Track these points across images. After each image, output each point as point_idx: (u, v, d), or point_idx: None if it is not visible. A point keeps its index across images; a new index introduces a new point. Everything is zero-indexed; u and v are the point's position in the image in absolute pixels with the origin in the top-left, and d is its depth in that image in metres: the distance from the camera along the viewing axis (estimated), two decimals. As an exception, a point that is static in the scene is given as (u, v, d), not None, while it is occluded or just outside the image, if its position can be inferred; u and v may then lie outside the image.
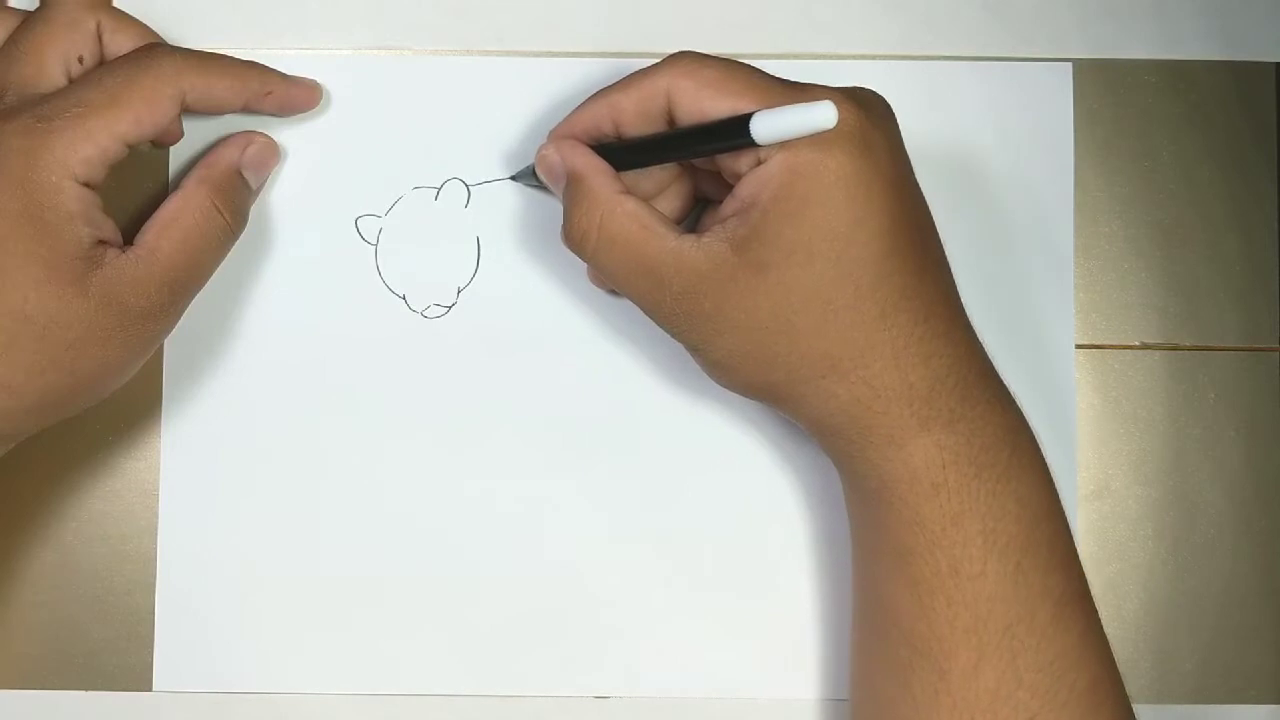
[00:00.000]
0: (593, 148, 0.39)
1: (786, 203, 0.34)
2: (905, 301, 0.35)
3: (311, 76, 0.43)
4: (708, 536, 0.43)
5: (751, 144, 0.34)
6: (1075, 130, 0.44)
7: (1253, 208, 0.44)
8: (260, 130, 0.42)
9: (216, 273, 0.40)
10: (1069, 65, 0.44)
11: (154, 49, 0.39)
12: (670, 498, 0.43)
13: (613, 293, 0.43)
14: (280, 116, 0.43)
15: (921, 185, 0.38)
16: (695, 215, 0.42)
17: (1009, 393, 0.37)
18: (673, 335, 0.38)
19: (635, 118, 0.38)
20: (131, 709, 0.42)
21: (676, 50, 0.37)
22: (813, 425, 0.38)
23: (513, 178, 0.43)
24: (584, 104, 0.39)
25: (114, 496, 0.43)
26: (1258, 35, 0.44)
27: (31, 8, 0.40)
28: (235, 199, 0.40)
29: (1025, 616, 0.35)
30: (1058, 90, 0.44)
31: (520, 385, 0.43)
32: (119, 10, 0.40)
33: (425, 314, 0.43)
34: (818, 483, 0.43)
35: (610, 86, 0.38)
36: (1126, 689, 0.37)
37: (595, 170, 0.38)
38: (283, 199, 0.43)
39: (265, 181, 0.42)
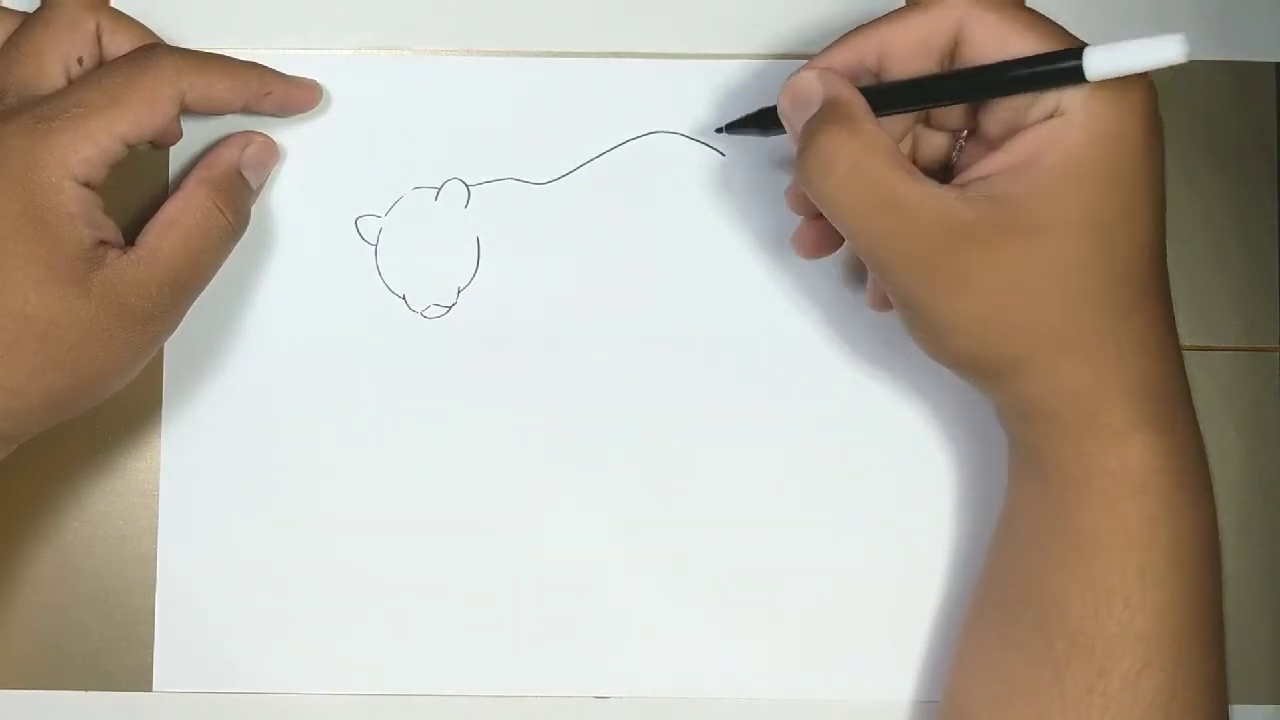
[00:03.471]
0: None
1: (1077, 166, 0.32)
2: (1148, 300, 0.34)
3: (311, 76, 0.43)
4: (707, 536, 0.43)
5: (1075, 81, 0.32)
6: (1075, 130, 0.44)
7: (1253, 208, 0.44)
8: (260, 130, 0.42)
9: (216, 273, 0.40)
10: (1069, 65, 0.43)
11: (153, 49, 0.39)
12: (670, 497, 0.43)
13: (830, 250, 0.40)
14: (280, 116, 0.43)
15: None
16: None
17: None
18: (897, 287, 0.35)
19: (909, 52, 0.35)
20: (131, 709, 0.42)
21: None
22: (1027, 403, 0.36)
23: (727, 127, 0.40)
24: (844, 37, 0.36)
25: (114, 496, 0.43)
26: (1258, 35, 0.44)
27: (31, 8, 0.40)
28: (236, 199, 0.40)
29: (1192, 634, 0.35)
30: (1058, 90, 0.44)
31: (520, 385, 0.43)
32: (118, 11, 0.40)
33: (425, 314, 0.43)
34: (819, 483, 0.43)
35: (875, 20, 0.35)
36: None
37: (856, 101, 0.35)
38: (283, 199, 0.43)
39: (265, 181, 0.42)
